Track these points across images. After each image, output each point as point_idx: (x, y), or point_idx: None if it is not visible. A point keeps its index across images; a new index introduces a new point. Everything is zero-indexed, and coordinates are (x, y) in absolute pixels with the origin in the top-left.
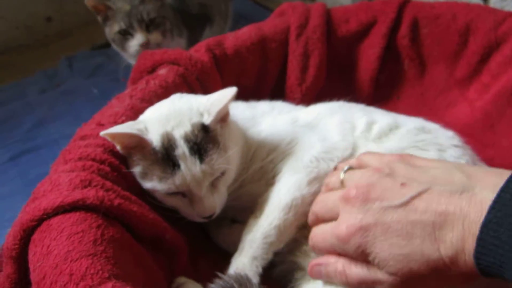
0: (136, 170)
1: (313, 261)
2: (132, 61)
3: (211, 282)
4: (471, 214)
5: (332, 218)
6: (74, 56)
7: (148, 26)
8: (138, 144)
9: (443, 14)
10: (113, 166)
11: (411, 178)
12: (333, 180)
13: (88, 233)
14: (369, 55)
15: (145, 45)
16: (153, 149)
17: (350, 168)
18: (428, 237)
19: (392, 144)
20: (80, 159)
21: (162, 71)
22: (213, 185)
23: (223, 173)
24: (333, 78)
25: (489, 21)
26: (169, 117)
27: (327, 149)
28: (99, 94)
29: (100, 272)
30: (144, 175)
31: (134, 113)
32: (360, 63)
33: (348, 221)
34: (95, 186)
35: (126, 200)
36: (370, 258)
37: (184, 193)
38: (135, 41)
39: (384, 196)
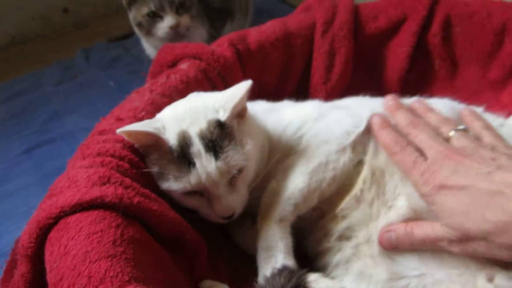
0: (153, 170)
1: (383, 229)
2: (154, 51)
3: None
4: None
5: (416, 149)
6: (91, 47)
7: (178, 9)
8: (155, 142)
9: (478, 12)
10: (132, 162)
11: (503, 154)
12: (443, 129)
13: (107, 232)
14: (398, 53)
15: (175, 28)
16: (170, 148)
17: (464, 129)
18: (493, 205)
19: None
20: (98, 154)
21: (183, 66)
22: (232, 183)
23: (241, 170)
24: (359, 77)
25: None
26: (185, 115)
27: (358, 124)
28: (115, 86)
29: (120, 274)
30: (161, 175)
31: (154, 108)
32: (388, 61)
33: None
34: (114, 183)
35: (146, 198)
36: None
37: (202, 193)
38: (165, 23)
39: (473, 164)
